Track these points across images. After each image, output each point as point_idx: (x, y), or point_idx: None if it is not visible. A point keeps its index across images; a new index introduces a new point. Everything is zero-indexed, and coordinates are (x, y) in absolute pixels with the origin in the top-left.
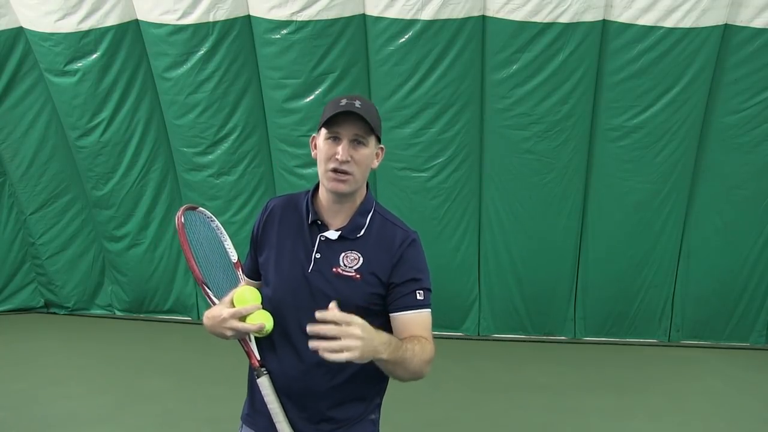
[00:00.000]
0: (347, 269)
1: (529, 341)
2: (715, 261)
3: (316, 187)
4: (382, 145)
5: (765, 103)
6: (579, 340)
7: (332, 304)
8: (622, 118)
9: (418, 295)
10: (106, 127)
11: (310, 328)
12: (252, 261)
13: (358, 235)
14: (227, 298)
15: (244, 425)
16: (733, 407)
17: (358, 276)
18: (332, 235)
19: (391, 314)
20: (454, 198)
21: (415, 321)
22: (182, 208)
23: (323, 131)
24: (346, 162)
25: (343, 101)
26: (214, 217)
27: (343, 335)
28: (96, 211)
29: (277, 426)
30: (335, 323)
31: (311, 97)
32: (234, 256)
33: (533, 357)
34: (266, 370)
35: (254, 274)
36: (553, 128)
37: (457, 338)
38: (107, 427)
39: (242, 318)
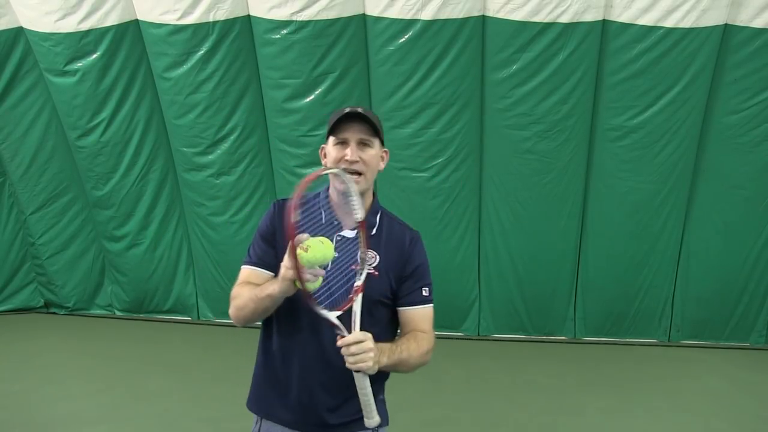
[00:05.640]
0: (367, 267)
1: (529, 341)
2: (715, 261)
3: (327, 191)
4: (385, 148)
5: (765, 103)
6: (579, 340)
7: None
8: (622, 118)
9: (423, 291)
10: (106, 127)
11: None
12: (268, 254)
13: (372, 233)
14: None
15: (262, 419)
16: (733, 407)
17: (376, 273)
18: (350, 233)
19: (399, 308)
20: (454, 198)
21: (421, 315)
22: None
23: (331, 138)
24: (356, 162)
25: (348, 109)
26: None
27: (361, 351)
28: (96, 211)
29: (368, 410)
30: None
31: (311, 97)
32: None
33: (533, 357)
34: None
35: (270, 267)
36: (553, 128)
37: (457, 338)
38: (107, 427)
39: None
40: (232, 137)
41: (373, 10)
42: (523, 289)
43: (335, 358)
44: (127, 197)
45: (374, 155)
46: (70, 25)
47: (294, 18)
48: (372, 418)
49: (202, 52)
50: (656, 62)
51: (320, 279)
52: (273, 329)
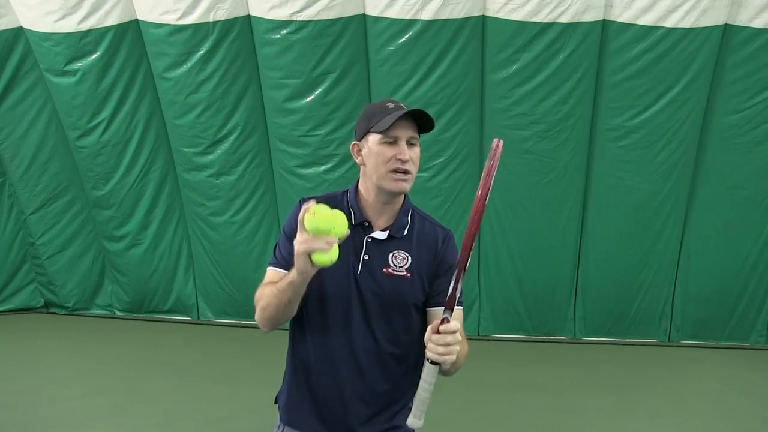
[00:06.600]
0: (398, 269)
1: (529, 341)
2: (715, 261)
3: (356, 189)
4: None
5: (765, 103)
6: (579, 340)
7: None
8: (622, 118)
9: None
10: (106, 127)
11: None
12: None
13: (404, 234)
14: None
15: (285, 426)
16: (733, 407)
17: (408, 275)
18: (380, 235)
19: (430, 309)
20: (454, 198)
21: (453, 316)
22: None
23: (378, 136)
24: (407, 161)
25: (391, 105)
26: None
27: (456, 341)
28: (96, 211)
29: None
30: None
31: (311, 97)
32: None
33: (533, 357)
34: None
35: None
36: (553, 128)
37: None
38: (107, 427)
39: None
40: (232, 137)
41: (373, 10)
42: (523, 288)
43: (368, 366)
44: (127, 197)
45: (418, 153)
46: (70, 25)
47: (294, 18)
48: (420, 418)
49: (202, 52)
50: (656, 62)
51: (335, 249)
52: (303, 334)
